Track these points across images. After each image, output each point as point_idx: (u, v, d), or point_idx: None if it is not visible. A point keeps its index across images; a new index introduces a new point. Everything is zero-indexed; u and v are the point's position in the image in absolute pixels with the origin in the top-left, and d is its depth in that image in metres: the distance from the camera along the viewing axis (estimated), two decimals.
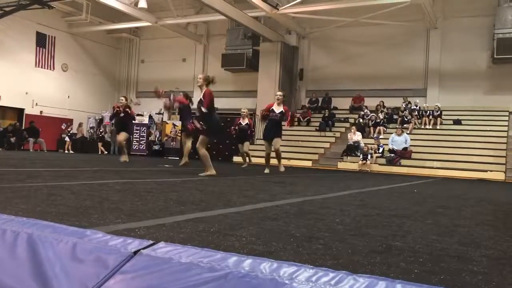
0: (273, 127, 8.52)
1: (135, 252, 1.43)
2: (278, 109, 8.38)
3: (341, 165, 14.71)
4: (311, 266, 1.26)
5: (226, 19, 17.20)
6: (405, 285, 1.11)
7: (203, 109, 6.28)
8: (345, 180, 8.11)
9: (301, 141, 16.61)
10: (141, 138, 19.62)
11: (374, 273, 1.25)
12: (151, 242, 1.51)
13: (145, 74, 22.52)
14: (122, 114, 10.20)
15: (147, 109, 20.97)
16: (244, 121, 11.56)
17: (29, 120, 18.03)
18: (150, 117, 20.27)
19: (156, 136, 20.09)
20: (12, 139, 16.90)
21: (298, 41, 19.05)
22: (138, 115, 20.23)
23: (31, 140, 17.19)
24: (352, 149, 15.13)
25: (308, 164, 15.10)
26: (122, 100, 10.43)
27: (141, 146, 19.50)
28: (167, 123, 19.78)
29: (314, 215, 2.85)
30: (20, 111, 18.82)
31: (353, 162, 14.57)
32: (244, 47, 18.79)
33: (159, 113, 20.79)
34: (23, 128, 17.93)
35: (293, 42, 18.86)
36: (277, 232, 2.12)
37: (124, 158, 10.38)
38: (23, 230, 1.64)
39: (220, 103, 17.89)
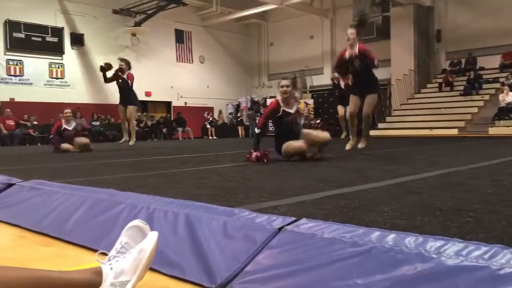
0: (361, 80, 5.77)
1: (280, 229, 1.51)
2: (350, 52, 5.66)
3: (493, 131, 13.32)
4: (461, 240, 1.20)
5: None
6: None
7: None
8: (497, 147, 7.35)
9: (444, 108, 15.44)
10: None
11: None
12: (293, 218, 1.58)
13: (275, 56, 22.98)
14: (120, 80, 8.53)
15: None
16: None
17: (176, 111, 19.86)
18: None
19: None
20: (164, 130, 18.75)
21: (432, 0, 17.58)
22: (271, 97, 20.87)
23: (180, 129, 18.92)
24: (505, 112, 13.59)
25: (454, 132, 13.99)
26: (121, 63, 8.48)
27: None
28: (299, 102, 20.01)
29: (462, 186, 2.66)
30: (168, 104, 20.76)
31: (508, 127, 13.09)
32: (373, 15, 17.95)
33: None
34: (172, 119, 19.78)
35: (427, 2, 17.44)
36: (421, 206, 2.04)
37: (125, 138, 8.89)
38: (181, 210, 1.84)
39: None
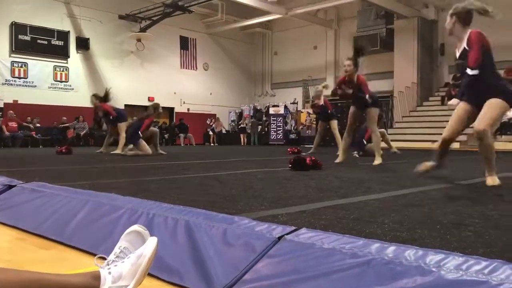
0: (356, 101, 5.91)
1: (279, 238, 1.51)
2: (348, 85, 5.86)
3: (495, 146, 13.32)
4: (461, 254, 1.20)
5: (356, 0, 16.71)
6: None
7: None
8: (500, 162, 7.32)
9: (446, 121, 15.41)
10: (277, 128, 20.23)
11: None
12: (293, 228, 1.57)
13: (278, 65, 23.06)
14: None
15: (282, 100, 21.49)
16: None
17: (179, 117, 19.90)
18: (285, 107, 20.77)
19: (291, 125, 20.52)
20: (166, 136, 18.77)
21: (437, 14, 17.66)
22: (273, 106, 20.91)
23: (182, 135, 18.95)
24: (507, 127, 13.60)
25: (456, 146, 13.99)
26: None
27: (278, 136, 20.09)
28: (301, 112, 20.04)
29: (463, 200, 2.65)
30: (171, 110, 20.80)
31: (509, 142, 13.09)
32: (377, 27, 18.05)
33: (293, 103, 21.20)
34: (174, 125, 19.81)
35: (431, 15, 17.53)
36: (421, 218, 2.04)
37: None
38: (181, 217, 1.83)
39: None
